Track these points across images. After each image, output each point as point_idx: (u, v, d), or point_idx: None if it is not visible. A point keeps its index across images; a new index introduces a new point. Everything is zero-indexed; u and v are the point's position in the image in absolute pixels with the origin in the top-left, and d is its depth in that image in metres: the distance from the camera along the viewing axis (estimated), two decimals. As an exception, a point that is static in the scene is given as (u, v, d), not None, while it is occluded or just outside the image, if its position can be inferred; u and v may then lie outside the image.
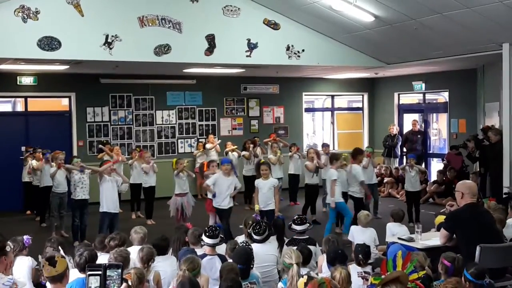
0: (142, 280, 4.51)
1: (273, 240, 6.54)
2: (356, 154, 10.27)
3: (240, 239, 6.64)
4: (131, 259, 5.45)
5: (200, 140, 14.55)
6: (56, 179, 10.04)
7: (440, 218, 7.08)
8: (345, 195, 10.10)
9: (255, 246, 6.04)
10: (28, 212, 12.32)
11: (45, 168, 10.73)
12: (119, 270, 3.65)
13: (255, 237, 6.24)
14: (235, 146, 13.53)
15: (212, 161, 10.33)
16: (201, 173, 12.48)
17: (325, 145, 13.15)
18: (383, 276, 3.83)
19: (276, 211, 9.07)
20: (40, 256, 5.73)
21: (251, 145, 13.22)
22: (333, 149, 15.84)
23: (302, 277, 4.64)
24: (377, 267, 5.09)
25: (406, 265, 3.98)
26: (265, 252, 6.12)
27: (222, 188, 9.04)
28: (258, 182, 9.16)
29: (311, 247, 6.39)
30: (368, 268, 5.54)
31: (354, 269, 5.46)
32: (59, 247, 5.91)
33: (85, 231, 9.62)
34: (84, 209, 9.62)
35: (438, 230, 6.76)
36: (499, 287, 5.40)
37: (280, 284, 5.14)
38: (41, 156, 11.19)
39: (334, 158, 9.93)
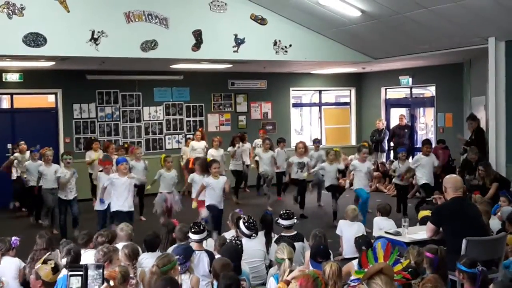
0: (126, 278, 4.49)
1: (260, 235, 6.55)
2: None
3: (228, 235, 6.62)
4: (118, 256, 5.43)
5: (188, 137, 14.48)
6: (46, 176, 9.95)
7: (423, 213, 7.13)
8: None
9: (244, 241, 6.03)
10: (18, 207, 12.23)
11: (28, 165, 10.80)
12: (100, 270, 3.66)
13: (246, 232, 6.23)
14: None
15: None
16: (187, 170, 12.39)
17: (316, 141, 12.95)
18: (366, 270, 3.74)
19: None
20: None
21: (240, 141, 13.18)
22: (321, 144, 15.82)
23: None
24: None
25: (388, 256, 3.89)
26: (253, 248, 6.12)
27: (120, 189, 8.64)
28: (211, 182, 8.83)
29: (300, 243, 6.41)
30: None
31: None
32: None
33: (78, 219, 9.85)
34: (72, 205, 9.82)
35: (421, 224, 6.81)
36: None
37: (271, 279, 5.15)
38: (25, 148, 11.34)
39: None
